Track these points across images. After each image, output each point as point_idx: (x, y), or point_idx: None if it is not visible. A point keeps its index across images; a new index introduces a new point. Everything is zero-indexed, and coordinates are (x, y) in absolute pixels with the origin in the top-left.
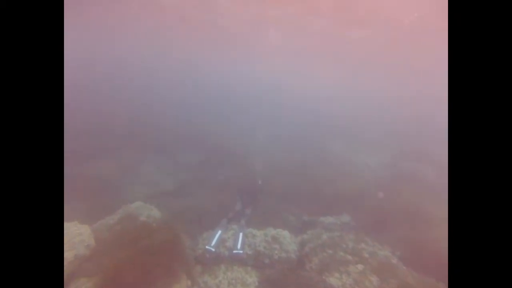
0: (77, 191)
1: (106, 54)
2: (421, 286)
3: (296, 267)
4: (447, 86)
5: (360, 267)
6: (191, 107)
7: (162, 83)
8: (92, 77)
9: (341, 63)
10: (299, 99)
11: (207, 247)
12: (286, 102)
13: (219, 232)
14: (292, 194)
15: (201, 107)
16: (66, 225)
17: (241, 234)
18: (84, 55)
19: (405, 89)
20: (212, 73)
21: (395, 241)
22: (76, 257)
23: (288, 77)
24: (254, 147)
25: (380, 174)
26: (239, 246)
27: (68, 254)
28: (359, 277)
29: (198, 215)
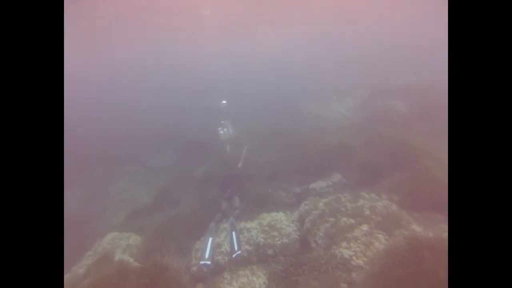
0: None
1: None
2: (423, 225)
3: (302, 249)
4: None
5: (365, 227)
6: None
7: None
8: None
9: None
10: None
11: (201, 262)
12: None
13: (210, 239)
14: (276, 168)
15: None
16: None
17: (234, 233)
18: None
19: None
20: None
21: (389, 187)
22: None
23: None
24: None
25: (356, 120)
26: (235, 247)
27: None
28: (367, 239)
29: (185, 224)
